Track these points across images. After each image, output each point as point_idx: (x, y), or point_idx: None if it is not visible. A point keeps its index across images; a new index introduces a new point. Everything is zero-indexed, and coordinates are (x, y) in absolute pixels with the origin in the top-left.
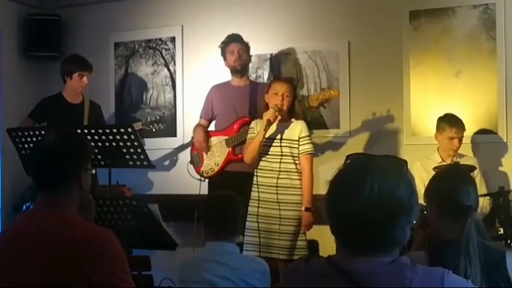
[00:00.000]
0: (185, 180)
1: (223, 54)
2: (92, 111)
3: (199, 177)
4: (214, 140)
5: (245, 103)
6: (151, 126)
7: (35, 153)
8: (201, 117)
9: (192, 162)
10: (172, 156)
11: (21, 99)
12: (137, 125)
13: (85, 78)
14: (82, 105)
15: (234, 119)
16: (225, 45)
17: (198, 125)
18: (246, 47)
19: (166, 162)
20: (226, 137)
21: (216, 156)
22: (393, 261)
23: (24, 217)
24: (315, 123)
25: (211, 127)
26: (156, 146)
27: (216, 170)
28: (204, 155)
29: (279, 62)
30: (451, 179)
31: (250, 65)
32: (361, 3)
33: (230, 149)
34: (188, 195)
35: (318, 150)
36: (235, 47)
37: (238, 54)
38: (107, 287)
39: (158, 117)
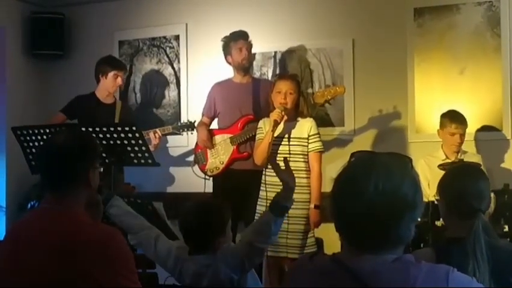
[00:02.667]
0: (190, 178)
1: (226, 49)
2: (124, 112)
3: (203, 175)
4: (218, 138)
5: (248, 100)
6: (181, 130)
7: (45, 153)
8: (203, 114)
9: (196, 161)
10: (176, 154)
11: (26, 98)
12: (168, 129)
13: (119, 79)
14: (114, 106)
15: (238, 116)
16: (230, 41)
17: (201, 124)
18: (250, 45)
19: (171, 160)
20: (231, 135)
21: (221, 155)
22: (398, 259)
23: (32, 215)
24: (320, 120)
25: (214, 125)
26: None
27: (221, 168)
28: (209, 153)
29: (283, 59)
30: (465, 179)
31: (254, 62)
32: (365, 0)
33: (235, 147)
34: (193, 193)
35: (324, 148)
36: (243, 45)
37: (247, 52)
38: (114, 287)
39: (189, 122)
